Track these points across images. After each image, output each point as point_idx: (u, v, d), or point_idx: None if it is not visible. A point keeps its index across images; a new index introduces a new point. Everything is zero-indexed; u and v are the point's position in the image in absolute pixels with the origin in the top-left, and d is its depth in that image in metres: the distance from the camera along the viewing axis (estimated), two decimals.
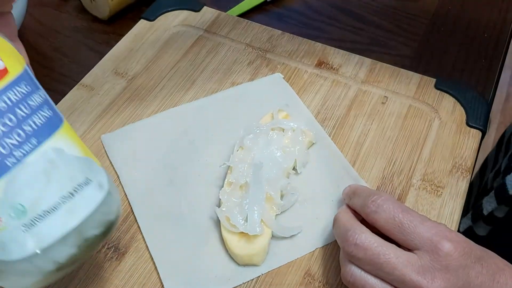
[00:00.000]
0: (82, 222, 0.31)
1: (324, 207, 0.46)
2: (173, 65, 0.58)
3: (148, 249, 0.43)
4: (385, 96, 0.54)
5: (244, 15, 0.67)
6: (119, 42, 0.61)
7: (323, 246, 0.44)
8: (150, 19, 0.63)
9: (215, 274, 0.42)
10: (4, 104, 0.31)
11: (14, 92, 0.31)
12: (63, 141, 0.33)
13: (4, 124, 0.30)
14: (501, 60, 0.62)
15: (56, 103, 0.53)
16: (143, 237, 0.44)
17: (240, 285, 0.42)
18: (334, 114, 0.53)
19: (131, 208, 0.46)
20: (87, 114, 0.53)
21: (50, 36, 0.68)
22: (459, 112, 0.53)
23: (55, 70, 0.63)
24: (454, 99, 0.54)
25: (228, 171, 0.46)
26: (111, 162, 0.49)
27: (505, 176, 0.54)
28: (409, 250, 0.35)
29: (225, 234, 0.43)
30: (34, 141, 0.31)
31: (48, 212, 0.30)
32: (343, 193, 0.43)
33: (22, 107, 0.31)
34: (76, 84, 0.57)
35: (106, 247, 0.44)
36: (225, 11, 0.66)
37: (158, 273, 0.42)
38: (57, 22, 0.69)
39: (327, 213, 0.45)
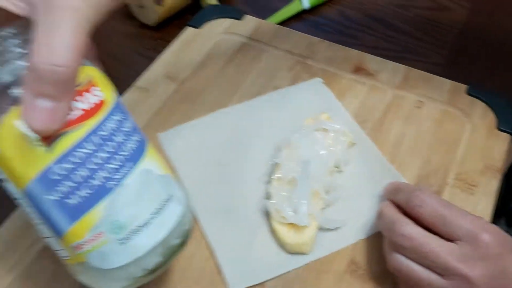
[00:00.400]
0: (168, 234, 0.36)
1: (365, 203, 0.49)
2: (219, 71, 0.62)
3: (205, 238, 0.48)
4: (420, 101, 0.58)
5: (283, 23, 0.71)
6: (169, 47, 0.65)
7: (365, 238, 0.48)
8: (196, 26, 0.68)
9: (267, 261, 0.46)
10: (105, 133, 0.33)
11: (112, 121, 0.34)
12: (150, 161, 0.36)
13: (106, 151, 0.33)
14: None
15: None
16: (200, 227, 0.48)
17: (290, 271, 0.46)
18: (372, 117, 0.57)
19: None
20: (143, 114, 0.58)
21: (101, 41, 0.71)
22: (490, 117, 0.56)
23: (109, 73, 0.67)
24: (485, 105, 0.57)
25: (276, 168, 0.50)
26: (168, 158, 0.53)
27: None
28: (450, 241, 0.39)
29: (275, 225, 0.47)
30: (129, 164, 0.34)
31: (141, 227, 0.34)
32: (384, 189, 0.47)
33: (119, 134, 0.34)
34: (127, 87, 0.61)
35: None
36: (264, 19, 0.71)
37: (214, 260, 0.46)
38: (106, 27, 0.74)
39: (369, 208, 0.49)
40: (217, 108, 0.58)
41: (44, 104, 0.30)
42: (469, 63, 0.66)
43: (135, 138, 0.36)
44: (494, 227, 0.39)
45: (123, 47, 0.71)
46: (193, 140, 0.55)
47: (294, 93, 0.59)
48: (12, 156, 0.32)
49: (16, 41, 0.33)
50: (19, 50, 0.33)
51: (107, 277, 0.35)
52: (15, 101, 0.32)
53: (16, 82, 0.32)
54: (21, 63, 0.32)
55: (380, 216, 0.44)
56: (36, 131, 0.30)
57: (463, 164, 0.52)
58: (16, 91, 0.32)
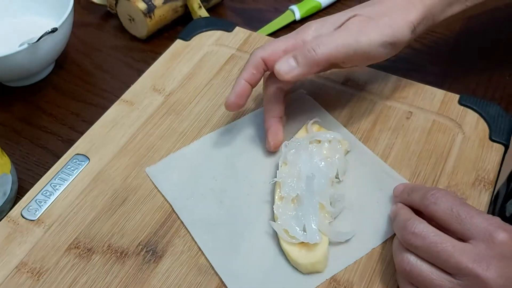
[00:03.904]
0: None
1: (372, 210, 0.48)
2: (207, 82, 0.62)
3: (215, 272, 0.45)
4: (410, 112, 0.56)
5: (274, 34, 0.71)
6: (157, 60, 0.65)
7: (378, 246, 0.46)
8: (186, 39, 0.67)
9: (282, 285, 0.44)
10: None
11: None
12: None
13: None
14: None
15: (98, 117, 0.58)
16: (209, 262, 0.46)
17: None
18: (360, 128, 0.55)
19: (176, 215, 0.49)
20: (127, 127, 0.57)
21: (92, 54, 0.72)
22: (482, 127, 0.54)
23: (97, 86, 0.68)
24: (477, 115, 0.56)
25: (276, 187, 0.49)
26: (161, 193, 0.51)
27: None
28: (463, 240, 0.38)
29: (285, 246, 0.45)
30: None
31: None
32: (395, 190, 0.47)
33: None
34: (116, 99, 0.61)
35: (145, 250, 0.47)
36: (256, 31, 0.70)
37: (192, 276, 0.45)
38: (98, 40, 0.74)
39: (375, 215, 0.47)
40: (203, 121, 0.58)
41: (292, 62, 0.48)
42: (463, 73, 0.64)
43: None
44: (510, 226, 0.38)
45: (113, 59, 0.71)
46: (184, 170, 0.53)
47: None
48: None
49: None
50: None
51: None
52: None
53: None
54: None
55: (394, 216, 0.43)
56: (277, 73, 0.48)
57: (453, 176, 0.51)
58: None
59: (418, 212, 0.42)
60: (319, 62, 0.48)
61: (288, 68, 0.48)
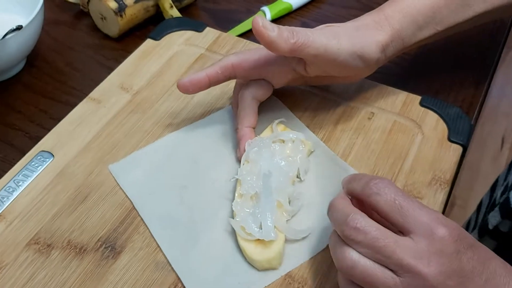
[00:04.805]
0: None
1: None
2: (175, 81, 0.62)
3: (171, 266, 0.46)
4: (372, 112, 0.57)
5: (244, 34, 0.71)
6: (126, 59, 0.65)
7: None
8: (156, 38, 0.68)
9: (238, 281, 0.45)
10: None
11: None
12: None
13: None
14: (489, 79, 0.65)
15: (65, 114, 0.59)
16: (165, 256, 0.47)
17: None
18: (322, 129, 0.56)
19: (137, 211, 0.50)
20: (93, 124, 0.58)
21: (64, 51, 0.73)
22: (442, 128, 0.56)
23: (67, 83, 0.68)
24: (437, 116, 0.57)
25: (237, 184, 0.50)
26: (122, 190, 0.52)
27: (511, 190, 0.56)
28: (402, 234, 0.37)
29: (242, 243, 0.46)
30: None
31: None
32: (342, 182, 0.44)
33: None
34: (85, 96, 0.61)
35: (103, 246, 0.47)
36: (227, 31, 0.71)
37: (149, 271, 0.46)
38: (70, 39, 0.74)
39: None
40: (169, 119, 0.58)
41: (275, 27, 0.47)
42: (427, 75, 0.65)
43: None
44: (452, 222, 0.38)
45: (84, 57, 0.71)
46: (147, 167, 0.53)
47: None
48: None
49: None
50: None
51: None
52: None
53: None
54: None
55: (331, 208, 0.41)
56: (256, 23, 0.47)
57: (410, 175, 0.52)
58: None
59: (359, 202, 0.41)
60: (295, 48, 0.47)
61: (269, 27, 0.47)
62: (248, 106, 0.53)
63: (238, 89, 0.56)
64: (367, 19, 0.53)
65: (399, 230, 0.38)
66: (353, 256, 0.38)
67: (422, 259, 0.36)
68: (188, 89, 0.53)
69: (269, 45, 0.47)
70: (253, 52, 0.54)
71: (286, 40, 0.47)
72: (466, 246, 0.37)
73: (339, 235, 0.39)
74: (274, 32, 0.46)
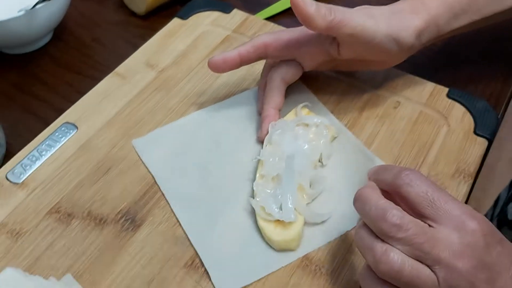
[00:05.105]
0: None
1: (349, 193, 0.46)
2: (201, 61, 0.62)
3: (189, 241, 0.46)
4: (398, 101, 0.57)
5: (272, 18, 0.71)
6: (153, 37, 0.65)
7: (353, 229, 0.46)
8: (183, 17, 0.67)
9: (255, 260, 0.45)
10: None
11: None
12: None
13: None
14: None
15: (90, 88, 0.59)
16: (184, 230, 0.47)
17: (279, 268, 0.44)
18: (347, 115, 0.56)
19: (158, 187, 0.50)
20: (118, 99, 0.58)
21: (91, 27, 0.73)
22: (468, 121, 0.55)
23: (93, 58, 0.68)
24: (464, 109, 0.56)
25: (259, 165, 0.50)
26: (145, 165, 0.52)
27: None
28: (429, 225, 0.37)
29: (261, 223, 0.46)
30: None
31: None
32: (368, 172, 0.43)
33: None
34: (110, 72, 0.61)
35: (124, 218, 0.48)
36: (255, 14, 0.70)
37: (168, 246, 0.46)
38: (98, 15, 0.75)
39: (353, 199, 0.46)
40: (193, 98, 0.58)
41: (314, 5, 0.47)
42: (455, 67, 0.65)
43: None
44: (482, 216, 0.37)
45: (110, 33, 0.72)
46: (170, 144, 0.53)
47: None
48: None
49: None
50: None
51: None
52: None
53: None
54: None
55: (360, 199, 0.39)
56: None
57: (434, 166, 0.51)
58: None
59: (386, 193, 0.40)
60: (332, 25, 0.47)
61: (308, 2, 0.46)
62: (276, 87, 0.53)
63: (268, 70, 0.55)
64: (404, 4, 0.52)
65: (428, 222, 0.37)
66: (398, 258, 0.36)
67: (456, 252, 0.35)
68: (219, 67, 0.53)
69: (306, 20, 0.47)
70: (286, 32, 0.53)
71: (323, 17, 0.46)
72: (495, 240, 0.37)
73: (373, 230, 0.37)
74: (312, 7, 0.46)
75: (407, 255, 0.36)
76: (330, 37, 0.50)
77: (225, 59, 0.53)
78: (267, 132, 0.52)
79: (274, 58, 0.54)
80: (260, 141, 0.53)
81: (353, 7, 0.51)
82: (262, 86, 0.56)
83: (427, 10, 0.51)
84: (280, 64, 0.54)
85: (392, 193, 0.40)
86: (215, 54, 0.54)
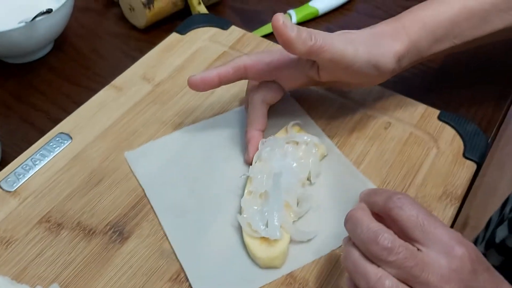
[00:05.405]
0: None
1: (337, 213, 0.48)
2: None
3: (175, 254, 0.47)
4: (389, 122, 0.57)
5: (268, 36, 0.72)
6: (151, 50, 0.66)
7: (338, 248, 0.47)
8: (182, 33, 0.68)
9: (239, 276, 0.45)
10: None
11: None
12: None
13: None
14: (511, 97, 0.64)
15: (87, 99, 0.60)
16: (170, 243, 0.47)
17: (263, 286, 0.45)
18: (337, 134, 0.56)
19: (147, 199, 0.51)
20: (113, 111, 0.59)
21: (91, 38, 0.74)
22: (458, 144, 0.55)
23: (91, 69, 0.69)
24: (454, 131, 0.56)
25: (248, 181, 0.50)
26: (136, 177, 0.52)
27: None
28: (418, 249, 0.37)
29: (247, 239, 0.46)
30: None
31: None
32: (360, 195, 0.44)
33: None
34: (107, 84, 0.62)
35: (112, 230, 0.48)
36: (252, 31, 0.71)
37: (154, 259, 0.46)
38: (98, 26, 0.76)
39: (340, 218, 0.45)
40: (188, 112, 0.59)
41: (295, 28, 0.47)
42: (449, 89, 0.65)
43: None
44: (469, 243, 0.38)
45: (110, 46, 0.73)
46: (162, 158, 0.54)
47: None
48: None
49: None
50: None
51: None
52: None
53: None
54: None
55: (351, 220, 0.40)
56: (276, 20, 0.46)
57: (422, 188, 0.52)
58: None
59: (376, 216, 0.40)
60: (312, 51, 0.47)
61: (289, 25, 0.46)
62: (257, 109, 0.54)
63: (251, 91, 0.56)
64: (384, 27, 0.53)
65: (417, 245, 0.38)
66: (389, 284, 0.36)
67: (444, 276, 0.36)
68: (198, 86, 0.53)
69: (286, 44, 0.47)
70: (266, 54, 0.54)
71: (304, 41, 0.47)
72: (483, 268, 0.37)
73: (364, 252, 0.38)
74: (294, 31, 0.46)
75: (397, 278, 0.36)
76: (310, 61, 0.51)
77: (204, 79, 0.53)
78: (253, 155, 0.52)
79: (255, 80, 0.55)
80: (248, 163, 0.53)
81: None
82: (247, 104, 0.56)
83: (408, 35, 0.52)
84: (260, 86, 0.54)
85: (383, 216, 0.40)
86: (195, 74, 0.54)
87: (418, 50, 0.53)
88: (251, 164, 0.52)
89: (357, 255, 0.39)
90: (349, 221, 0.40)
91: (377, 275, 0.37)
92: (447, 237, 0.37)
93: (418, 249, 0.38)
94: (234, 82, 0.55)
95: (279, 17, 0.46)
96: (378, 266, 0.37)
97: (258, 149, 0.53)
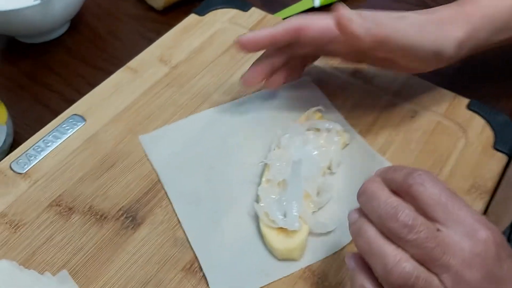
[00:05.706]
0: None
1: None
2: (214, 59, 0.61)
3: (189, 243, 0.45)
4: (415, 110, 0.55)
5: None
6: (168, 32, 0.64)
7: None
8: (200, 14, 0.66)
9: (254, 268, 0.43)
10: None
11: None
12: None
13: None
14: None
15: (103, 81, 0.58)
16: (184, 232, 0.46)
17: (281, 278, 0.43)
18: (361, 122, 0.54)
19: (162, 185, 0.49)
20: (128, 94, 0.57)
21: (107, 19, 0.72)
22: (487, 135, 0.52)
23: (107, 51, 0.68)
24: (484, 122, 0.54)
25: (265, 169, 0.48)
26: (150, 162, 0.51)
27: None
28: (438, 229, 0.34)
29: (264, 229, 0.44)
30: None
31: None
32: (376, 171, 0.39)
33: None
34: (123, 65, 0.60)
35: (124, 216, 0.47)
36: (273, 14, 0.69)
37: (167, 247, 0.45)
38: (115, 7, 0.74)
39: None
40: (205, 95, 0.57)
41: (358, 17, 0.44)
42: (478, 79, 0.62)
43: None
44: (494, 227, 0.35)
45: (127, 27, 0.71)
46: (177, 142, 0.52)
47: (284, 91, 0.57)
48: None
49: None
50: None
51: None
52: None
53: None
54: None
55: (366, 193, 0.36)
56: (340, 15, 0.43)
57: (449, 180, 0.49)
58: None
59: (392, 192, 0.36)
60: (377, 41, 0.44)
61: (354, 17, 0.43)
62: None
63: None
64: (443, 12, 0.49)
65: (437, 225, 0.34)
66: (413, 271, 0.33)
67: (466, 260, 0.33)
68: (247, 46, 0.50)
69: (350, 37, 0.44)
70: (322, 17, 0.48)
71: (367, 31, 0.43)
72: (507, 254, 0.35)
73: (380, 228, 0.35)
74: (357, 24, 0.43)
75: (415, 260, 0.34)
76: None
77: (255, 38, 0.49)
78: (247, 81, 0.52)
79: (305, 47, 0.51)
80: (245, 83, 0.52)
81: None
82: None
83: (470, 22, 0.49)
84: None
85: (401, 194, 0.36)
86: (244, 33, 0.51)
87: (477, 39, 0.50)
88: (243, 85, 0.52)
89: (373, 232, 0.35)
90: (364, 194, 0.37)
91: (396, 257, 0.34)
92: (471, 219, 0.34)
93: (439, 230, 0.34)
94: (283, 45, 0.50)
95: (344, 12, 0.43)
96: (396, 246, 0.34)
97: (258, 79, 0.52)
